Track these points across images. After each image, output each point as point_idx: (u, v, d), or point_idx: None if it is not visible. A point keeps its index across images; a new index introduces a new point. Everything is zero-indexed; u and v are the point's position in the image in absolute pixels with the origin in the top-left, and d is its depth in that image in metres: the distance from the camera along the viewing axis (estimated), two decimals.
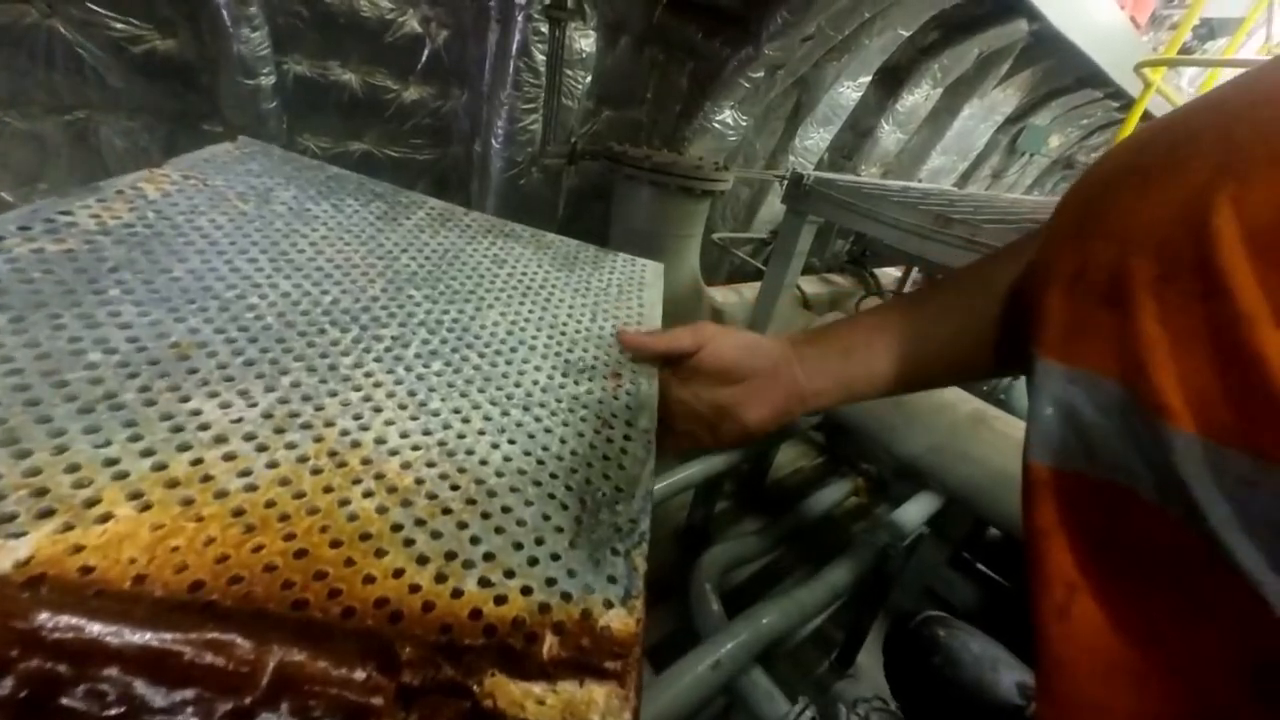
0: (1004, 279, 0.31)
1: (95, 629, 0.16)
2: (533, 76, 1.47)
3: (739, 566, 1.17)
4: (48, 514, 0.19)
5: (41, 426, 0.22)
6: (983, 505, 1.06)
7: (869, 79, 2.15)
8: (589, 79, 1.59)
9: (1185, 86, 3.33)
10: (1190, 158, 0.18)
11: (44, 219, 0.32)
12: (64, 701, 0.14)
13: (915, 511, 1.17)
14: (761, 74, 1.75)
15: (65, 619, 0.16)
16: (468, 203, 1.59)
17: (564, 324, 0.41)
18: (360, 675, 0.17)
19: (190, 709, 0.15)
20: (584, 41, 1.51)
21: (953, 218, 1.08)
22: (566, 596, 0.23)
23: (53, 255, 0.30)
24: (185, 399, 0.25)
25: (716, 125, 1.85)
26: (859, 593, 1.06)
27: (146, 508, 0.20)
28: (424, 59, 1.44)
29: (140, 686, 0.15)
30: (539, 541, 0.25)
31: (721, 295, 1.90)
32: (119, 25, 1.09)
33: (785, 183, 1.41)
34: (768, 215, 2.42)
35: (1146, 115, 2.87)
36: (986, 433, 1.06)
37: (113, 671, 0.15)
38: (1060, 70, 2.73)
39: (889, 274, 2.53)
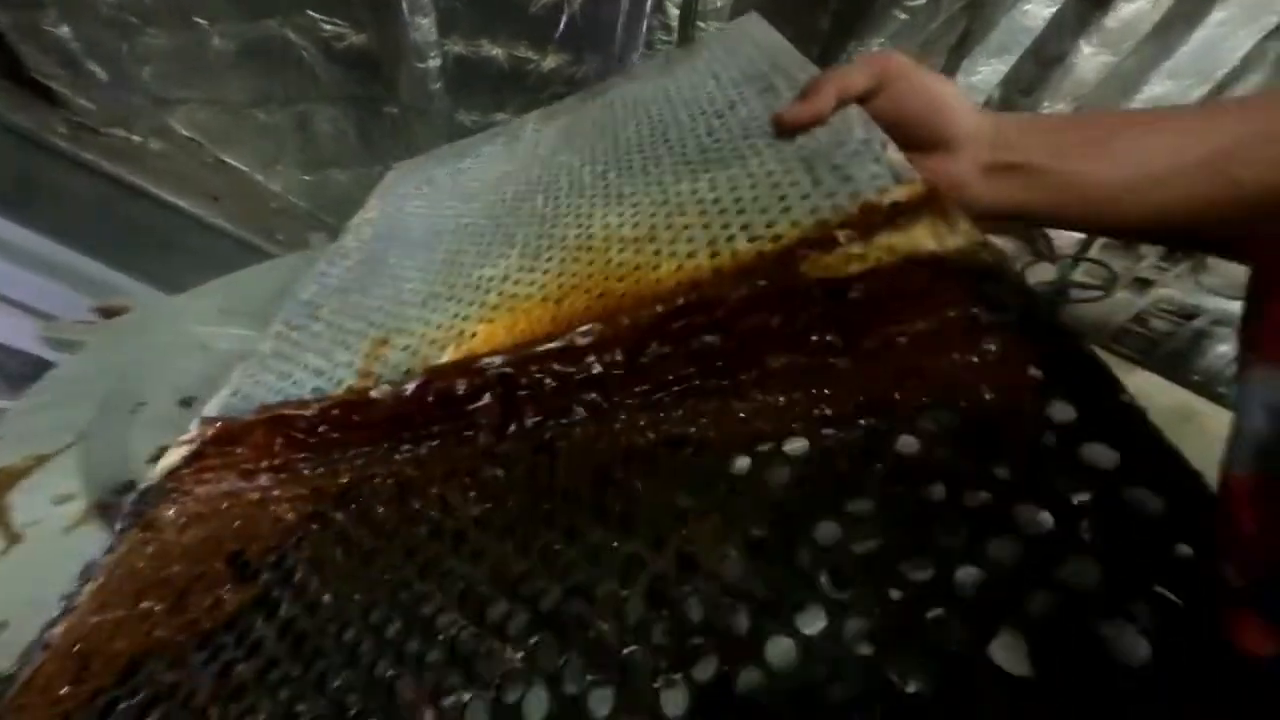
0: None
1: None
2: (665, 34, 1.45)
3: None
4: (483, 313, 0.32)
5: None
6: None
7: None
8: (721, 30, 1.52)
9: None
10: None
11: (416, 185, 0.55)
12: (523, 380, 0.25)
13: None
14: (923, 0, 1.52)
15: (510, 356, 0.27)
16: None
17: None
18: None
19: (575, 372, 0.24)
20: None
21: None
22: (838, 208, 0.22)
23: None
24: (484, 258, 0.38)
25: None
26: None
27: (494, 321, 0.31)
28: (561, 27, 1.49)
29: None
30: (781, 197, 0.25)
31: None
32: (328, 26, 1.30)
33: None
34: None
35: None
36: (1195, 433, 0.87)
37: (533, 367, 0.25)
38: None
39: (1065, 235, 2.09)
